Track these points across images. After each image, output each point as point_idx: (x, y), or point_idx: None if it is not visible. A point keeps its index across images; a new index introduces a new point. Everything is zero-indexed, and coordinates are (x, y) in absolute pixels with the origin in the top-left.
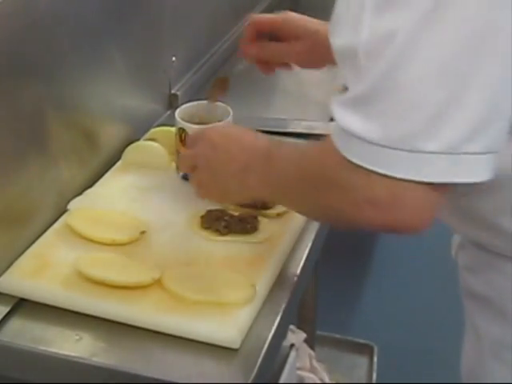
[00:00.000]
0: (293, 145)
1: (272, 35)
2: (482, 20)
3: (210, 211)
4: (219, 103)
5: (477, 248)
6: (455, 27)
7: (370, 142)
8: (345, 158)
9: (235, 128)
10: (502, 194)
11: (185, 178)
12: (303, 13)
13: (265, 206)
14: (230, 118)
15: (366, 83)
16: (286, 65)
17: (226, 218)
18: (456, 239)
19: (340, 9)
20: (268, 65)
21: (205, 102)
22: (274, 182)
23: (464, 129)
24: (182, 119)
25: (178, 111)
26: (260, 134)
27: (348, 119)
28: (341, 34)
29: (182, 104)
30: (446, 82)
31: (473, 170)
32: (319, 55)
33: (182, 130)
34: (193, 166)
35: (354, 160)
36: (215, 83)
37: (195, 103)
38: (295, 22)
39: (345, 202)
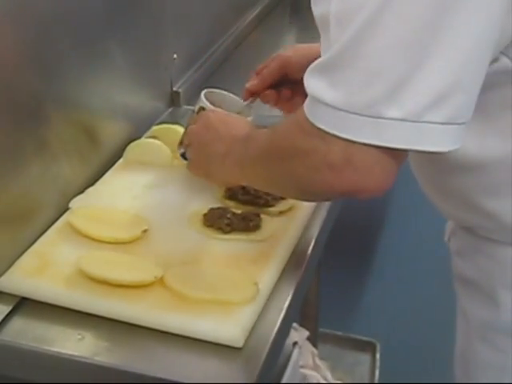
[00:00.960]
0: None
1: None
2: None
3: (212, 209)
4: (239, 99)
5: (466, 233)
6: (417, 1)
7: (334, 107)
8: (309, 125)
9: (230, 115)
10: (486, 174)
11: (183, 156)
12: (305, 12)
13: (267, 204)
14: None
15: (333, 50)
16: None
17: (228, 215)
18: (449, 225)
19: None
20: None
21: (229, 94)
22: (246, 162)
23: (424, 98)
24: (207, 100)
25: (204, 92)
26: (251, 124)
27: (315, 85)
28: (320, 3)
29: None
30: (408, 53)
31: (432, 140)
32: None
33: (202, 110)
34: (188, 143)
35: (319, 124)
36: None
37: (224, 92)
38: (305, 50)
39: (307, 167)
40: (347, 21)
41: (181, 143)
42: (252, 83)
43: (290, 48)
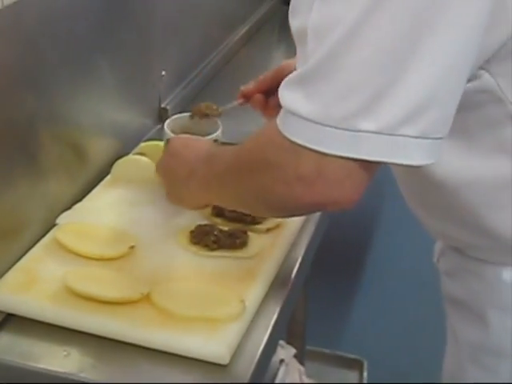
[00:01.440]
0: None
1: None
2: (422, 6)
3: (199, 226)
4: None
5: (455, 253)
6: (395, 14)
7: (309, 120)
8: (281, 138)
9: (194, 139)
10: (471, 192)
11: None
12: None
13: (254, 221)
14: (219, 132)
15: (310, 63)
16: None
17: (215, 232)
18: (438, 246)
19: None
20: (266, 105)
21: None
22: (212, 181)
23: (400, 111)
24: (172, 131)
25: (167, 123)
26: (212, 142)
27: (290, 97)
28: (297, 16)
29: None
30: (385, 66)
31: (406, 153)
32: None
33: None
34: (161, 174)
35: (292, 137)
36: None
37: (184, 115)
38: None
39: (277, 180)
40: (324, 34)
41: None
42: (247, 86)
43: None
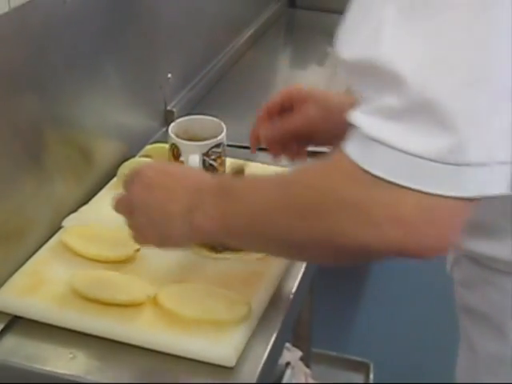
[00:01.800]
0: (252, 176)
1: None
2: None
3: None
4: (213, 118)
5: (472, 263)
6: (494, 31)
7: (406, 153)
8: (361, 173)
9: (173, 165)
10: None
11: None
12: (299, 32)
13: None
14: (223, 134)
15: (406, 94)
16: (299, 154)
17: None
18: (451, 254)
19: (353, 20)
20: (279, 145)
21: (198, 116)
22: (236, 217)
23: (502, 137)
24: (176, 134)
25: (171, 126)
26: (198, 169)
27: (380, 128)
28: (354, 46)
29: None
30: (485, 90)
31: (503, 181)
32: (333, 119)
33: (174, 146)
34: (129, 210)
35: (379, 173)
36: (232, 170)
37: (188, 118)
38: (306, 91)
39: (358, 222)
40: (416, 62)
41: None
42: (267, 135)
43: (318, 105)
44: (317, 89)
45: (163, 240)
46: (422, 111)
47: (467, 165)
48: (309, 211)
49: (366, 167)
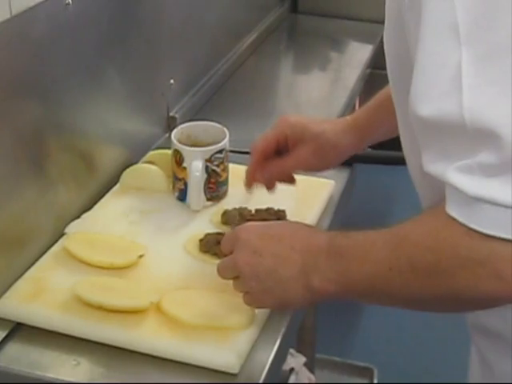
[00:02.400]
0: (361, 233)
1: (279, 151)
2: None
3: (208, 234)
4: (216, 124)
5: None
6: None
7: None
8: (472, 231)
9: (271, 225)
10: None
11: (180, 199)
12: (301, 38)
13: None
14: (226, 140)
15: (501, 150)
16: (289, 179)
17: None
18: None
19: (424, 71)
20: (274, 181)
21: (200, 122)
22: (355, 278)
23: None
24: (178, 140)
25: (174, 132)
26: (299, 226)
27: (482, 187)
28: (432, 101)
29: None
30: None
31: None
32: (326, 156)
33: (177, 152)
34: (236, 276)
35: (490, 231)
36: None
37: (191, 124)
38: (301, 127)
39: (481, 277)
40: (503, 113)
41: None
42: (259, 179)
43: (314, 148)
44: (310, 122)
45: (282, 304)
46: None
47: None
48: (429, 272)
49: (476, 227)
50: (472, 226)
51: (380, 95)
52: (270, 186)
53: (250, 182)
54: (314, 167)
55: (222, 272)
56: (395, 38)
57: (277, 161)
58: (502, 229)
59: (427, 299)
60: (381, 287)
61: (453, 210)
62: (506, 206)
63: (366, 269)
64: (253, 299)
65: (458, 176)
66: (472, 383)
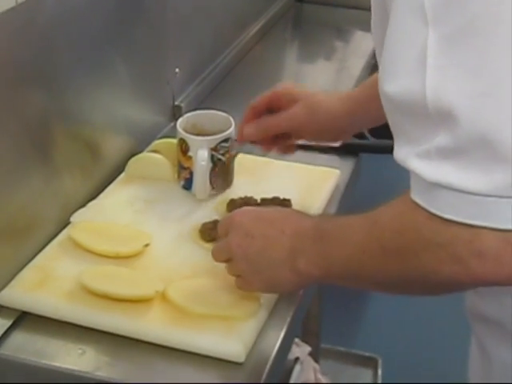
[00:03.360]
0: (344, 217)
1: (271, 110)
2: None
3: (205, 223)
4: (221, 113)
5: None
6: None
7: (471, 193)
8: (433, 215)
9: (265, 210)
10: None
11: (185, 188)
12: (306, 27)
13: None
14: (232, 129)
15: (456, 131)
16: (287, 148)
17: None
18: None
19: (393, 50)
20: (268, 141)
21: (206, 111)
22: (335, 261)
23: None
24: (184, 129)
25: (179, 121)
26: (292, 211)
27: (438, 172)
28: (398, 79)
29: None
30: None
31: None
32: (316, 116)
33: (182, 141)
34: (228, 259)
35: (448, 215)
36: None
37: (196, 113)
38: (295, 89)
39: (443, 260)
40: (463, 94)
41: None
42: (250, 132)
43: (303, 106)
44: (306, 90)
45: (270, 286)
46: (477, 147)
47: None
48: (396, 254)
49: (436, 212)
50: (432, 210)
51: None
52: (263, 144)
53: (240, 136)
54: (305, 127)
55: (215, 254)
56: (381, 29)
57: (269, 116)
58: (459, 213)
59: (398, 282)
60: (356, 270)
61: (415, 196)
62: (461, 191)
63: (343, 252)
64: (244, 282)
65: (418, 162)
66: (472, 375)
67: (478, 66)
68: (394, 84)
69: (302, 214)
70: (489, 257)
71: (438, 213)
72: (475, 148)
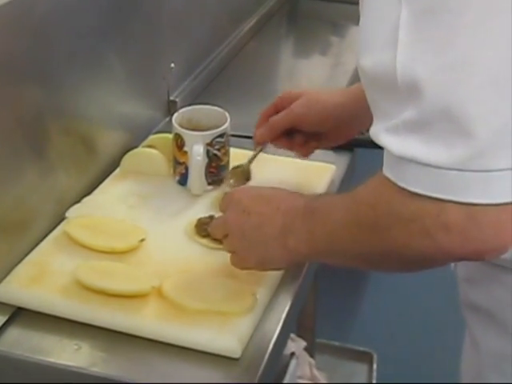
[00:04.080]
0: (331, 195)
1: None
2: None
3: (200, 219)
4: (217, 108)
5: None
6: (505, 34)
7: (434, 166)
8: (403, 189)
9: (264, 189)
10: None
11: (181, 183)
12: (302, 22)
13: None
14: (227, 124)
15: (421, 105)
16: (304, 149)
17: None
18: None
19: (368, 25)
20: (282, 140)
21: (201, 106)
22: (319, 238)
23: None
24: (179, 124)
25: (174, 116)
26: (290, 191)
27: (404, 145)
28: (372, 54)
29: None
30: (506, 92)
31: None
32: (313, 107)
33: (178, 136)
34: (225, 234)
35: (415, 189)
36: (234, 173)
37: (192, 108)
38: (296, 91)
39: (413, 234)
40: (428, 69)
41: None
42: (261, 133)
43: (301, 100)
44: (309, 90)
45: (262, 263)
46: (441, 121)
47: (496, 170)
48: (370, 228)
49: (404, 185)
50: (401, 184)
51: None
52: (278, 143)
53: (255, 140)
54: (304, 118)
55: (213, 230)
56: None
57: (297, 137)
58: (425, 186)
59: (374, 257)
60: (338, 246)
61: (386, 170)
62: (425, 164)
63: (326, 228)
64: (238, 259)
65: (387, 136)
66: (463, 366)
67: (445, 41)
68: (369, 58)
69: (297, 194)
70: (455, 231)
71: (406, 186)
72: (439, 121)
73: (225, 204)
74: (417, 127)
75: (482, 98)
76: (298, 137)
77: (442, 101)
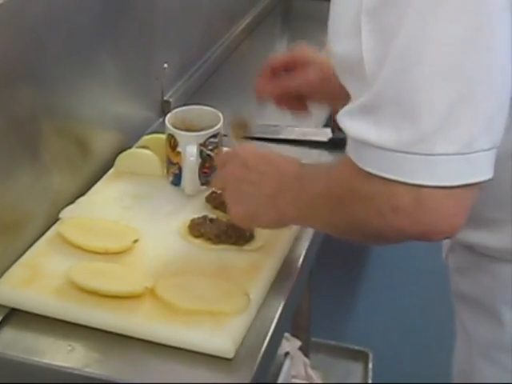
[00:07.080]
0: (321, 164)
1: (287, 70)
2: (478, 13)
3: (194, 219)
4: (210, 108)
5: (466, 250)
6: (453, 23)
7: (383, 148)
8: (361, 169)
9: (268, 151)
10: (499, 187)
11: (174, 183)
12: (296, 21)
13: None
14: (220, 124)
15: (373, 89)
16: (300, 105)
17: (207, 224)
18: (447, 242)
19: (336, 13)
20: (283, 100)
21: (195, 106)
22: (303, 203)
23: (475, 126)
24: (173, 125)
25: (168, 117)
26: (290, 157)
27: (357, 128)
28: (340, 41)
29: None
30: (453, 81)
31: (483, 168)
32: (330, 84)
33: (171, 136)
34: (223, 186)
35: (368, 169)
36: (234, 125)
37: (185, 108)
38: (309, 53)
39: (369, 212)
40: (381, 55)
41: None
42: (269, 90)
43: (317, 72)
44: (319, 54)
45: (251, 217)
46: (390, 104)
47: (441, 154)
48: (337, 202)
49: (358, 163)
50: (359, 164)
51: None
52: (278, 102)
53: (258, 91)
54: (318, 89)
55: (214, 181)
56: None
57: (286, 75)
58: (377, 167)
59: (342, 228)
60: (316, 213)
61: (348, 150)
62: (375, 146)
63: (308, 196)
64: (230, 210)
65: (345, 119)
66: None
67: (395, 30)
68: (339, 45)
69: (293, 159)
70: (403, 213)
71: (362, 166)
72: (389, 106)
73: (225, 158)
74: (369, 111)
75: (428, 85)
76: (283, 77)
77: (391, 86)
